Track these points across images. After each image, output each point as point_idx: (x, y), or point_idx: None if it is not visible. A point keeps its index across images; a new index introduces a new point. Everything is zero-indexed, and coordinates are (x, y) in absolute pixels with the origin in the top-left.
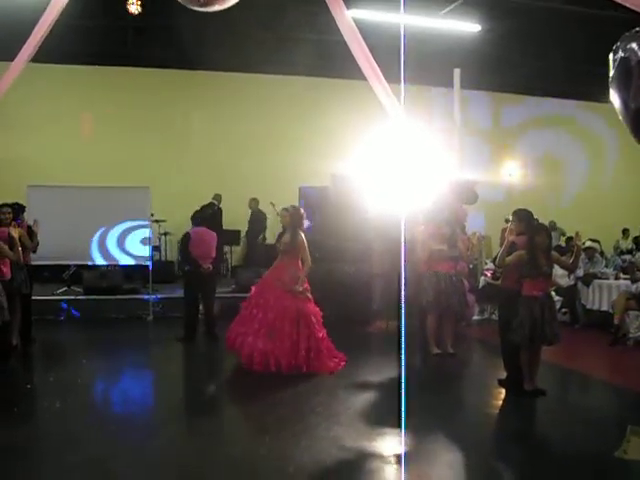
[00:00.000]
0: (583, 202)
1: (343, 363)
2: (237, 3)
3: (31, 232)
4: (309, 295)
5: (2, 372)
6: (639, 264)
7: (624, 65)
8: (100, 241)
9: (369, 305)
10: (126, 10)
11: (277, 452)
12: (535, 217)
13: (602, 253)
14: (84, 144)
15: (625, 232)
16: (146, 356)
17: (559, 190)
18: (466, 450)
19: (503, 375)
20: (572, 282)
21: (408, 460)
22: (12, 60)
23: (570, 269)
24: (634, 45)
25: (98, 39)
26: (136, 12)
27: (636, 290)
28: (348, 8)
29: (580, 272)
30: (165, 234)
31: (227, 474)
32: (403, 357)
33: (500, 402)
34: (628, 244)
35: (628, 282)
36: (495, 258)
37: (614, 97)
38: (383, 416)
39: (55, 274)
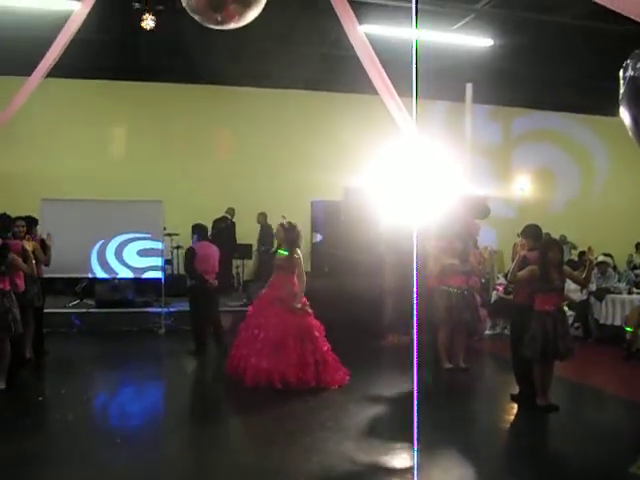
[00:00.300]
0: (596, 216)
1: (347, 377)
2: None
3: (44, 245)
4: (308, 310)
5: (15, 384)
6: None
7: (634, 84)
8: (115, 254)
9: (381, 319)
10: (140, 25)
11: (288, 466)
12: (546, 232)
13: (615, 267)
14: (99, 158)
15: (638, 246)
16: (157, 369)
17: (571, 204)
18: (478, 466)
19: (516, 390)
20: (585, 297)
21: (420, 475)
22: (28, 75)
23: (583, 284)
24: None
25: (112, 53)
26: (149, 27)
27: None
28: (360, 23)
29: (593, 287)
30: (177, 247)
31: None
32: (415, 372)
33: (512, 417)
34: None
35: None
36: (507, 273)
37: (624, 114)
38: (394, 431)
39: (68, 287)
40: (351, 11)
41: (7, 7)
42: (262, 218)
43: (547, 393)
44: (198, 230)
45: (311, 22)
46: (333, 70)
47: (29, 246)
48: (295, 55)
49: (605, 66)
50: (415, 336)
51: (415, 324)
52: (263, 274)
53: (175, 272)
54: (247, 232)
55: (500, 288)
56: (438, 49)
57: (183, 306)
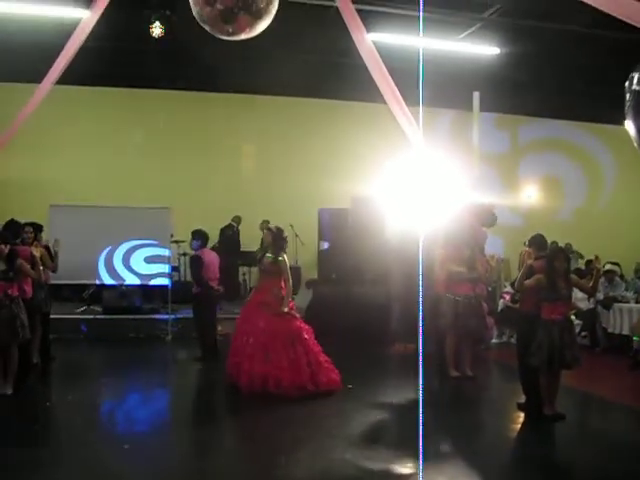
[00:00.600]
0: (603, 224)
1: (337, 378)
2: None
3: (49, 252)
4: (296, 314)
5: (22, 389)
6: None
7: (638, 97)
8: (123, 261)
9: (387, 327)
10: (149, 33)
11: (294, 473)
12: (553, 240)
13: (622, 276)
14: (107, 165)
15: None
16: (164, 375)
17: (578, 212)
18: (484, 474)
19: (522, 399)
20: (592, 305)
21: None
22: (35, 82)
23: (589, 293)
24: None
25: (121, 61)
26: (158, 35)
27: None
28: (368, 32)
29: (600, 295)
30: (184, 254)
31: None
32: (421, 380)
33: (519, 426)
34: None
35: None
36: (514, 281)
37: (629, 125)
38: (400, 438)
39: (75, 293)
40: (359, 19)
41: (15, 15)
42: (264, 226)
43: (554, 402)
44: (200, 236)
45: (319, 30)
46: (341, 78)
47: (37, 252)
48: (303, 63)
49: (611, 74)
50: (421, 344)
51: (421, 332)
52: None
53: (182, 279)
54: (255, 239)
55: (507, 297)
56: (445, 57)
57: (189, 313)
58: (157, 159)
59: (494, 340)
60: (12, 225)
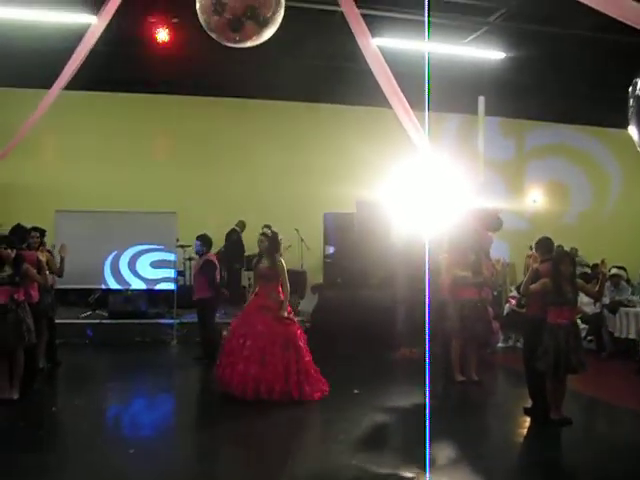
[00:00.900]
0: (609, 228)
1: (327, 390)
2: None
3: (52, 256)
4: (294, 319)
5: (28, 394)
6: None
7: None
8: (128, 266)
9: (393, 331)
10: (155, 38)
11: (300, 478)
12: (559, 244)
13: (628, 280)
14: (112, 170)
15: None
16: (169, 379)
17: (584, 216)
18: (492, 479)
19: (529, 403)
20: (598, 310)
21: None
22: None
23: (595, 297)
24: None
25: (126, 66)
26: (163, 40)
27: None
28: (373, 36)
29: (606, 299)
30: (190, 259)
31: None
32: (427, 385)
33: (525, 431)
34: None
35: None
36: (519, 285)
37: (633, 130)
38: (407, 443)
39: (81, 298)
40: (364, 24)
41: (21, 20)
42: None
43: (560, 407)
44: (206, 241)
45: (324, 35)
46: (346, 83)
47: (43, 257)
48: (309, 68)
49: (616, 78)
50: (428, 349)
51: (428, 337)
52: None
53: (187, 283)
54: None
55: (513, 301)
56: (450, 62)
57: (194, 317)
58: (162, 164)
59: (500, 344)
60: (18, 230)
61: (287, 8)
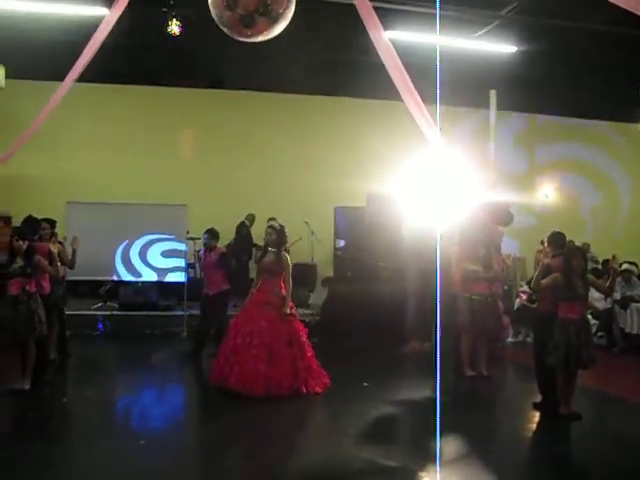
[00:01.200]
0: (620, 223)
1: (328, 382)
2: None
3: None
4: (296, 315)
5: (39, 385)
6: None
7: None
8: (139, 257)
9: (403, 325)
10: (167, 30)
11: (309, 471)
12: (570, 239)
13: (639, 276)
14: (124, 162)
15: None
16: (180, 371)
17: (595, 212)
18: (500, 474)
19: (538, 398)
20: (609, 305)
21: None
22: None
23: (606, 292)
24: None
25: (138, 58)
26: (174, 33)
27: None
28: (385, 29)
29: (617, 295)
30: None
31: None
32: (438, 380)
33: (535, 426)
34: None
35: None
36: (530, 281)
37: None
38: (416, 437)
39: (92, 289)
40: (376, 17)
41: (34, 13)
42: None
43: (570, 402)
44: (214, 235)
45: (335, 28)
46: (358, 76)
47: (54, 248)
48: (319, 61)
49: (630, 73)
50: (438, 343)
51: (438, 331)
52: None
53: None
54: None
55: (524, 296)
56: (462, 55)
57: None
58: (173, 156)
59: (510, 339)
60: (30, 221)
61: (299, 1)
